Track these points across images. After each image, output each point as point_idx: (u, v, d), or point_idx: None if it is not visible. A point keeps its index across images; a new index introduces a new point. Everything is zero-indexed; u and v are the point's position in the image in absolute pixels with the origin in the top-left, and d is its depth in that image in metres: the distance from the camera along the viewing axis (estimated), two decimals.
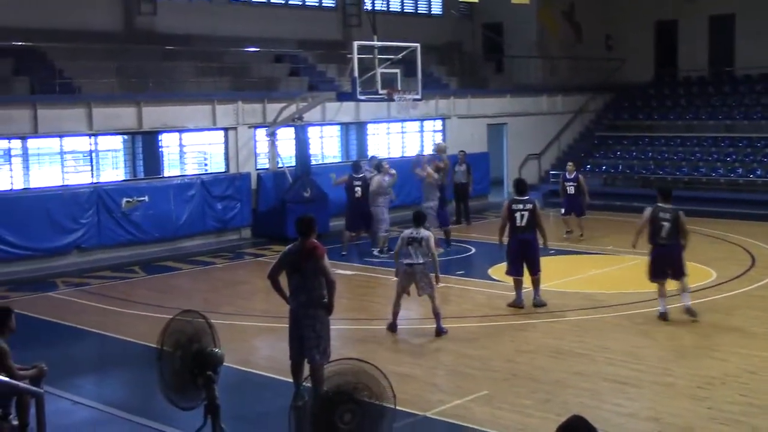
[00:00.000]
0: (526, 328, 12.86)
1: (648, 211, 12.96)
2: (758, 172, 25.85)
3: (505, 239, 14.06)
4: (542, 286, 14.09)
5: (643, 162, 28.61)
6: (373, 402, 6.21)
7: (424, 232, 12.50)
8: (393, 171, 18.66)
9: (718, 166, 26.92)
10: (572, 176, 20.19)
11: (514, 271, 13.93)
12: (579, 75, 32.10)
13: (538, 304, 13.87)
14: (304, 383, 9.33)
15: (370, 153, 24.36)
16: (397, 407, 6.54)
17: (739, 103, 29.41)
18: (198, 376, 7.33)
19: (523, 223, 13.70)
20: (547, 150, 30.06)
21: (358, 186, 18.94)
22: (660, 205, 12.95)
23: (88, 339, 13.17)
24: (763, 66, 29.57)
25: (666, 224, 12.76)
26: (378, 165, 18.88)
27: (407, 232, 12.60)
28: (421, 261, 12.37)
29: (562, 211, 20.75)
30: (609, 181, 28.83)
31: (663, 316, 12.86)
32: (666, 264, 12.92)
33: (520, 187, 14.14)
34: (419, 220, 12.71)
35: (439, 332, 12.46)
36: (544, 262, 14.14)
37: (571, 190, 20.08)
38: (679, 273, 12.91)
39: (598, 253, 18.62)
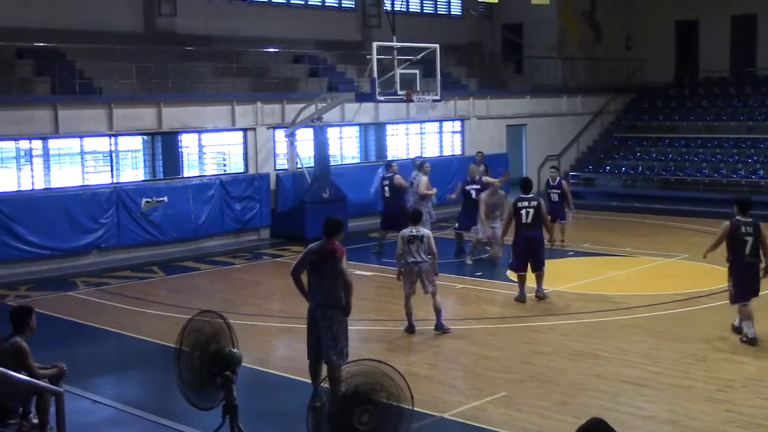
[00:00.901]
0: (543, 330, 12.81)
1: (727, 225, 11.85)
2: None
3: (509, 239, 14.15)
4: (561, 288, 14.08)
5: (663, 163, 28.47)
6: (391, 403, 6.22)
7: (423, 230, 12.53)
8: (434, 189, 18.68)
9: (739, 168, 26.75)
10: (555, 183, 19.58)
11: (518, 266, 14.23)
12: (599, 76, 31.99)
13: (541, 296, 14.13)
14: (322, 383, 9.33)
15: (389, 154, 24.53)
16: (415, 408, 6.54)
17: (761, 104, 29.21)
18: (216, 376, 7.36)
19: (529, 220, 14.00)
20: (567, 151, 29.98)
21: (386, 185, 19.01)
22: (740, 218, 11.81)
23: (108, 338, 13.22)
24: None
25: (749, 239, 11.66)
26: (420, 165, 18.93)
27: (406, 231, 12.57)
28: (425, 259, 12.40)
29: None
30: (629, 183, 28.72)
31: (752, 341, 11.53)
32: (753, 282, 11.79)
33: (526, 185, 14.55)
34: (416, 218, 12.74)
35: (439, 328, 12.52)
36: (563, 263, 14.14)
37: (554, 197, 19.41)
38: (756, 292, 11.90)
39: (617, 254, 18.53)
